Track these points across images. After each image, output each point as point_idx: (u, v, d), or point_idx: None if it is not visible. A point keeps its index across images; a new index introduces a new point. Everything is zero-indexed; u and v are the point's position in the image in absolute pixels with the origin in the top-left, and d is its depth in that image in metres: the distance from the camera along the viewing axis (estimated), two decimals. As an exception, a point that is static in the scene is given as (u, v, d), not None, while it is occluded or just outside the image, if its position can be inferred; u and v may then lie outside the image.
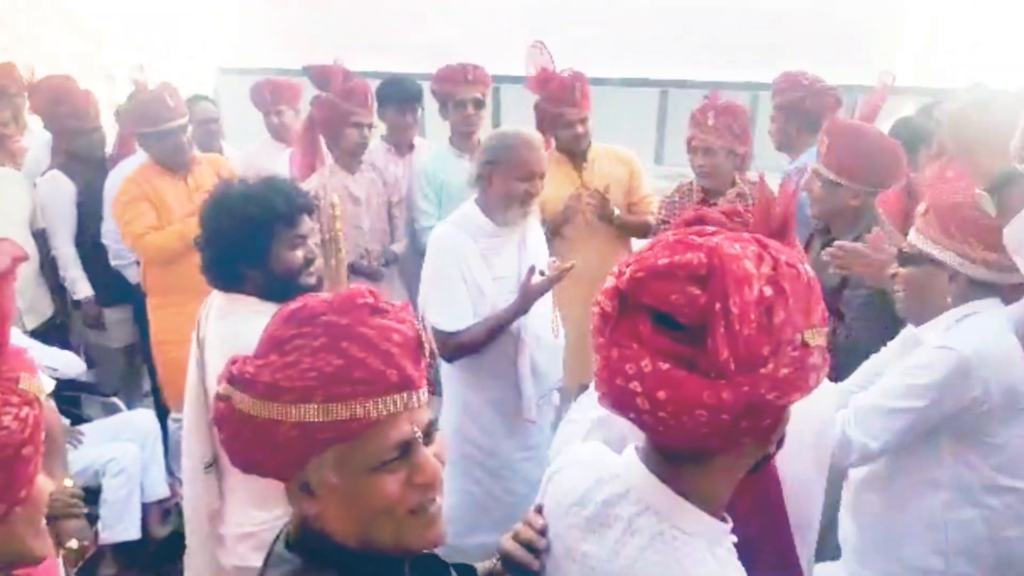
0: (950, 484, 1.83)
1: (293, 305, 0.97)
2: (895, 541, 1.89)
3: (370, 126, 3.44)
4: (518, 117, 3.63)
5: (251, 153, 4.38)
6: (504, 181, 2.55)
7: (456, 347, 2.58)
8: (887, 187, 2.42)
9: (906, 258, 1.93)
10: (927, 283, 1.88)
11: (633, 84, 4.39)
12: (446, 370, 2.77)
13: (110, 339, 3.85)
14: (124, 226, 3.41)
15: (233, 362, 0.95)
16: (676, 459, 0.98)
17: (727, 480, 0.99)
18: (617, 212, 3.41)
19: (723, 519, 1.01)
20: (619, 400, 0.92)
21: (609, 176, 3.49)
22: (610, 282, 0.94)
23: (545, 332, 2.68)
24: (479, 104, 3.68)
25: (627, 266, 0.94)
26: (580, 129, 3.42)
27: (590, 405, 1.82)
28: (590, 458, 1.15)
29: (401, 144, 3.88)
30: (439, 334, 2.57)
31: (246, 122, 5.07)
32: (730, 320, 0.85)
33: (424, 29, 6.21)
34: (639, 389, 0.88)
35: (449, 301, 2.56)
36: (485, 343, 2.56)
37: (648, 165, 3.84)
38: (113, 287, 3.78)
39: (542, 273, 2.54)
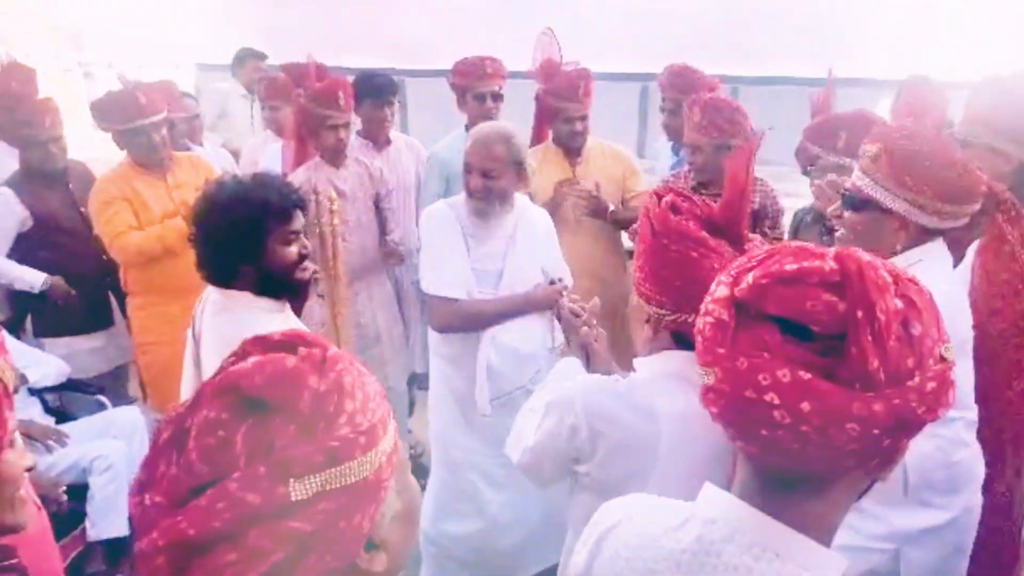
0: None
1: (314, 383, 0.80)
2: None
3: (346, 125, 3.41)
4: (510, 112, 3.66)
5: (252, 148, 4.39)
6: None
7: (456, 316, 2.64)
8: None
9: (852, 202, 1.90)
10: (874, 230, 1.86)
11: (614, 78, 4.44)
12: (431, 357, 2.86)
13: (83, 369, 3.59)
14: (101, 226, 3.35)
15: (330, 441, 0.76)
16: (787, 490, 0.89)
17: (843, 509, 0.91)
18: (612, 208, 3.42)
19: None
20: (749, 414, 0.84)
21: (603, 172, 3.50)
22: (722, 291, 0.89)
23: (506, 335, 2.70)
24: (497, 97, 3.72)
25: (740, 273, 0.89)
26: (579, 126, 3.44)
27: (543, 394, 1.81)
28: (654, 507, 1.04)
29: (378, 139, 3.87)
30: (436, 300, 2.64)
31: (227, 117, 5.06)
32: (876, 329, 0.80)
33: (404, 25, 6.20)
34: (777, 401, 0.81)
35: (444, 268, 2.64)
36: (491, 320, 2.64)
37: (630, 159, 3.86)
38: (90, 311, 3.62)
39: (552, 282, 2.68)
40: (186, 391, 2.16)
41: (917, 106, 2.88)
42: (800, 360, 0.81)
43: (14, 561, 1.09)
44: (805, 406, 0.80)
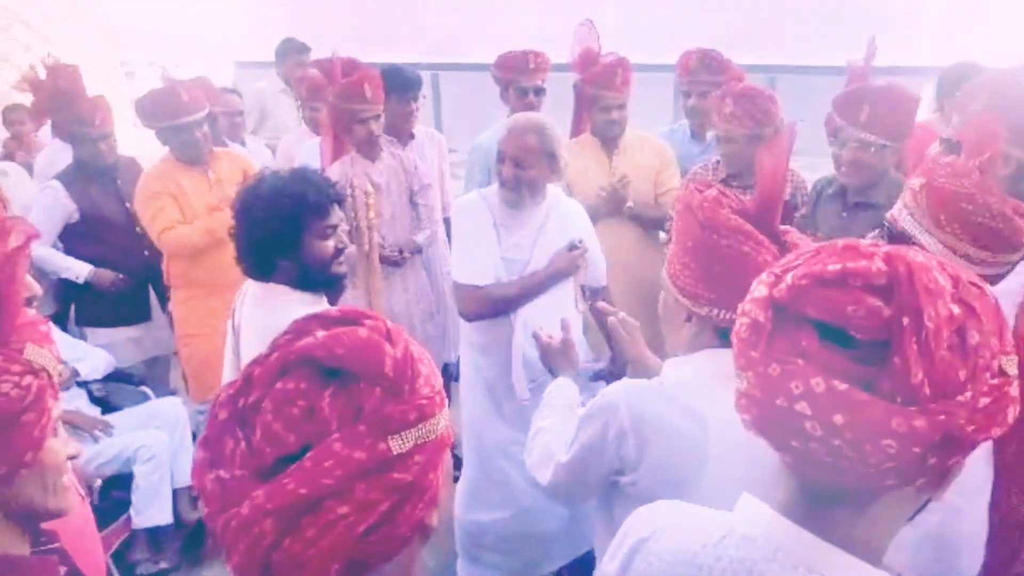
0: None
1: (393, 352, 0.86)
2: None
3: (376, 117, 3.42)
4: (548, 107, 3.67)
5: (287, 143, 4.43)
6: None
7: (483, 302, 2.66)
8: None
9: (889, 233, 1.86)
10: None
11: (648, 69, 4.41)
12: (462, 347, 2.90)
13: (121, 359, 3.64)
14: (147, 221, 3.43)
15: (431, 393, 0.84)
16: (830, 505, 0.85)
17: (891, 527, 0.87)
18: (630, 204, 3.37)
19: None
20: (779, 424, 0.80)
21: (640, 164, 3.48)
22: (760, 291, 0.85)
23: (542, 323, 2.66)
24: (540, 92, 3.74)
25: (783, 272, 0.84)
26: (615, 115, 3.42)
27: (560, 412, 1.77)
28: (690, 518, 1.00)
29: (402, 133, 3.87)
30: (463, 289, 2.66)
31: (270, 116, 5.12)
32: (924, 337, 0.74)
33: (438, 20, 6.23)
34: (808, 412, 0.77)
35: (471, 256, 2.66)
36: (518, 301, 2.65)
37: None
38: (130, 304, 3.70)
39: (573, 248, 2.68)
40: (227, 381, 2.20)
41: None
42: (838, 368, 0.76)
43: (56, 545, 1.12)
44: (838, 419, 0.75)
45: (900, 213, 1.81)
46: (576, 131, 3.71)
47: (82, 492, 1.47)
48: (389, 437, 0.80)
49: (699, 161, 3.54)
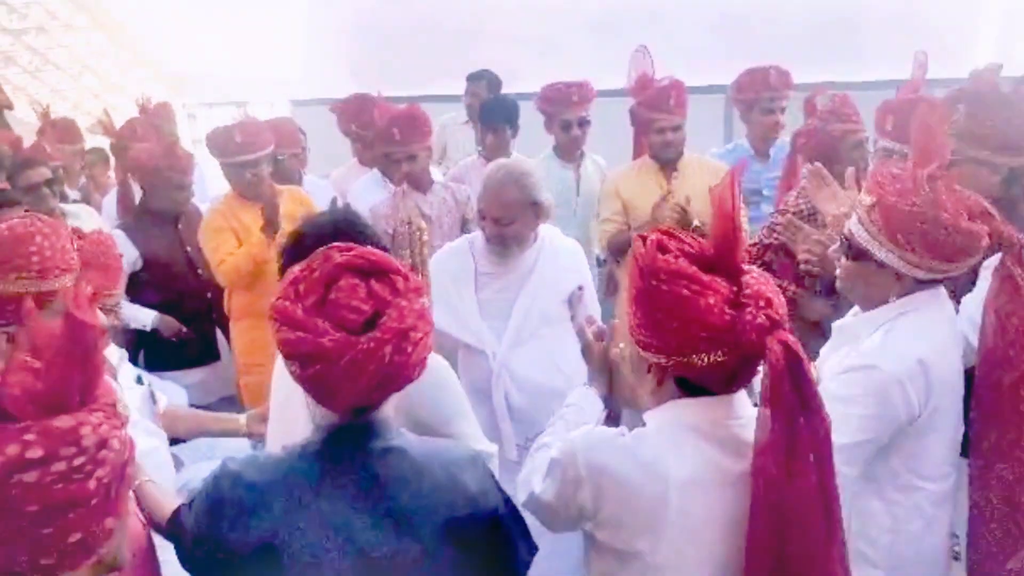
0: (862, 478, 1.82)
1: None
2: None
3: (411, 157, 3.48)
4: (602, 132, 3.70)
5: (339, 177, 4.52)
6: None
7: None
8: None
9: (849, 251, 1.86)
10: (870, 279, 1.84)
11: (698, 91, 4.40)
12: None
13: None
14: (210, 254, 3.52)
15: None
16: None
17: None
18: (697, 223, 3.29)
19: None
20: None
21: (699, 186, 3.45)
22: None
23: (533, 374, 2.60)
24: (584, 123, 3.80)
25: None
26: (671, 136, 3.43)
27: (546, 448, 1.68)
28: None
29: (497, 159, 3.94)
30: (441, 335, 2.71)
31: (317, 152, 5.23)
32: None
33: (487, 53, 6.31)
34: None
35: (449, 307, 2.63)
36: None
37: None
38: (197, 347, 3.72)
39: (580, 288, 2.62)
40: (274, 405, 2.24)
41: None
42: None
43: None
44: None
45: (857, 229, 1.81)
46: (636, 155, 3.74)
47: (143, 519, 1.50)
48: (421, 297, 1.34)
49: (763, 180, 3.52)
